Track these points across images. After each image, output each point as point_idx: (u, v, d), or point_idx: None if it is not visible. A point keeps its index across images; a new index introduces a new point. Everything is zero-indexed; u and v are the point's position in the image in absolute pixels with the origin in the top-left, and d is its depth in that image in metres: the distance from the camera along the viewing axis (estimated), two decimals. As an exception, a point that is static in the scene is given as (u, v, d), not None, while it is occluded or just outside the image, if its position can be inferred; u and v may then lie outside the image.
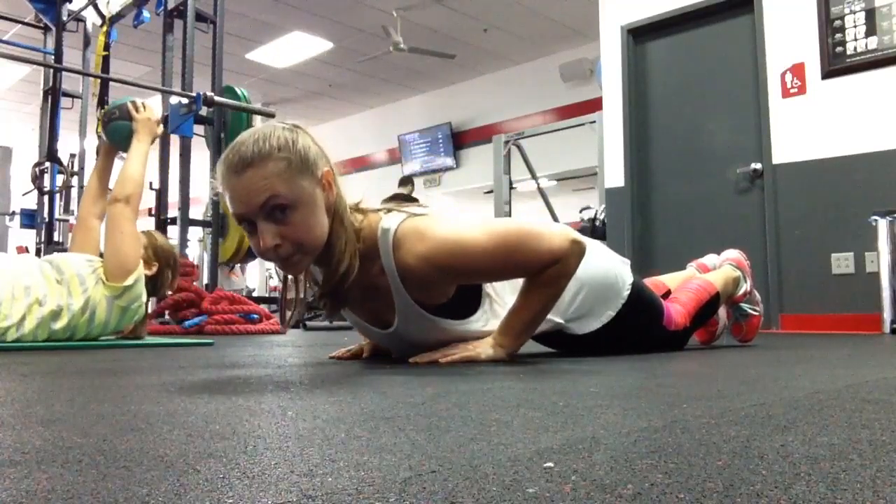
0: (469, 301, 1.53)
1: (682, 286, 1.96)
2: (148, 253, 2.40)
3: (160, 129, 2.57)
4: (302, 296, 1.48)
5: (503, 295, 1.58)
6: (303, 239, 1.33)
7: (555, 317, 1.60)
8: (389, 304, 1.46)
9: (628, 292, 1.69)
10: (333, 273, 1.39)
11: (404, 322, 1.48)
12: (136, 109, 2.47)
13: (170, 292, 2.75)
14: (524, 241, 1.42)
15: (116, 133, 2.52)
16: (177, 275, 2.55)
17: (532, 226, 1.45)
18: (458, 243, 1.39)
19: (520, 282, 1.52)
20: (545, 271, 1.43)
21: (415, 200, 7.79)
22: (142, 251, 2.37)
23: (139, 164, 2.39)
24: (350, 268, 1.39)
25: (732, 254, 2.15)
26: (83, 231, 2.47)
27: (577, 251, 1.45)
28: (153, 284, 2.38)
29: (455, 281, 1.47)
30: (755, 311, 2.15)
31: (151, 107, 2.55)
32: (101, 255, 2.32)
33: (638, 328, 1.76)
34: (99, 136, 4.81)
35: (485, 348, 1.46)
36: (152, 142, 2.53)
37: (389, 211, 1.45)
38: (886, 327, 3.56)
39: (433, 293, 1.47)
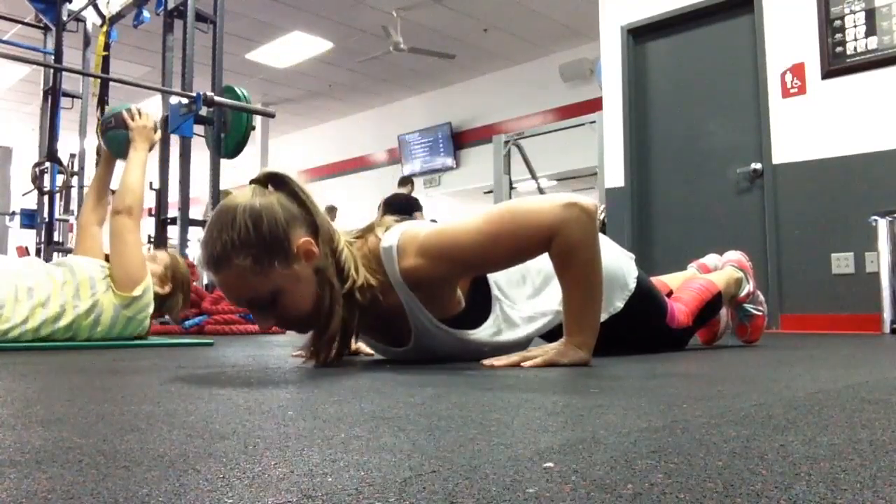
0: (480, 309, 1.52)
1: (685, 286, 1.96)
2: (167, 273, 2.42)
3: (157, 135, 2.55)
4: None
5: (513, 297, 1.57)
6: (292, 316, 1.37)
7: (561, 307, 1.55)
8: (404, 324, 1.45)
9: (634, 285, 1.69)
10: (321, 334, 1.40)
11: (419, 338, 1.46)
12: (132, 117, 2.46)
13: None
14: (515, 217, 1.37)
15: (114, 142, 2.52)
16: (188, 302, 2.57)
17: (526, 202, 1.39)
18: (451, 230, 1.39)
19: (531, 279, 1.53)
20: (552, 249, 1.36)
21: (415, 200, 7.79)
22: (159, 268, 2.41)
23: (137, 173, 2.39)
24: (336, 326, 1.39)
25: (734, 255, 2.15)
26: (86, 239, 2.48)
27: (573, 216, 1.33)
28: (162, 303, 2.39)
29: (458, 272, 1.43)
30: (759, 311, 2.15)
31: (148, 113, 2.53)
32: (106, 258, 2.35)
33: (643, 323, 1.76)
34: (99, 137, 4.82)
35: (566, 352, 1.38)
36: (150, 149, 2.51)
37: (387, 228, 1.44)
38: (886, 327, 3.56)
39: (444, 301, 1.45)
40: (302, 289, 1.33)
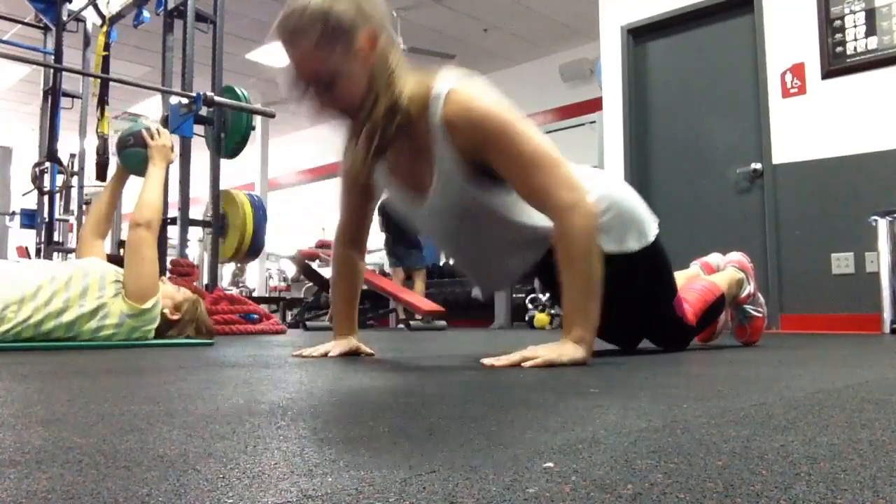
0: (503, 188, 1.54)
1: (688, 286, 1.96)
2: (183, 305, 2.43)
3: (175, 154, 2.62)
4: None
5: None
6: (342, 106, 1.48)
7: None
8: (430, 168, 1.50)
9: (653, 239, 1.70)
10: (362, 125, 1.47)
11: (442, 186, 1.50)
12: (151, 136, 2.51)
13: None
14: (549, 170, 1.43)
15: (132, 160, 2.56)
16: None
17: (566, 167, 1.45)
18: (506, 120, 1.45)
19: None
20: (556, 234, 1.43)
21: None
22: (178, 297, 2.43)
23: (156, 189, 2.43)
24: (377, 119, 1.45)
25: (735, 256, 2.16)
26: (88, 251, 2.49)
27: (581, 211, 1.41)
28: (168, 328, 2.39)
29: (482, 152, 1.46)
30: (759, 312, 2.15)
31: (166, 131, 2.59)
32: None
33: (652, 287, 1.75)
34: (99, 137, 4.82)
35: (565, 350, 1.38)
36: (167, 166, 2.56)
37: (446, 74, 1.50)
38: (886, 327, 3.56)
39: (469, 156, 1.47)
40: (355, 81, 1.44)
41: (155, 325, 2.29)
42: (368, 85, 1.45)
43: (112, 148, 3.76)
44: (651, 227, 1.73)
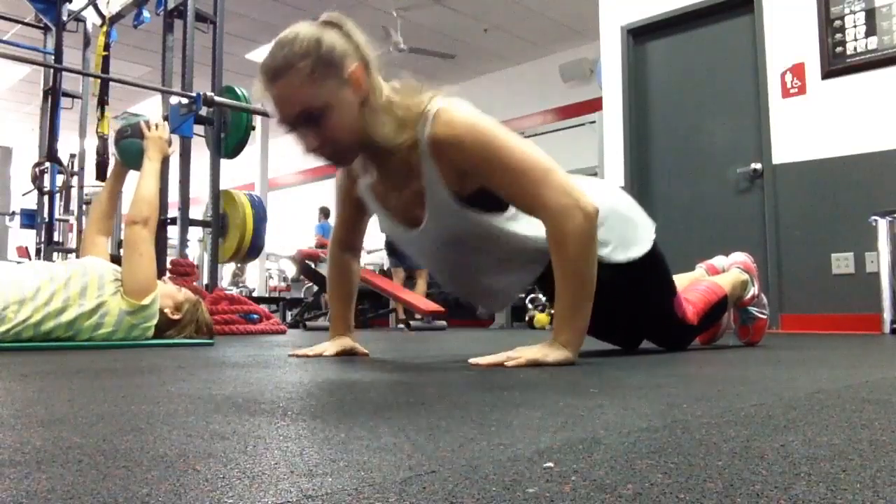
0: (499, 204, 1.51)
1: (691, 286, 1.96)
2: (184, 305, 2.42)
3: (172, 149, 2.59)
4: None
5: None
6: (337, 139, 1.44)
7: None
8: (421, 196, 1.48)
9: (651, 244, 1.69)
10: (376, 156, 1.48)
11: (434, 212, 1.48)
12: (149, 128, 2.50)
13: None
14: (541, 177, 1.41)
15: (127, 151, 2.55)
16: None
17: (558, 173, 1.43)
18: (490, 135, 1.42)
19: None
20: (548, 233, 1.41)
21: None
22: (180, 297, 2.42)
23: (151, 184, 2.40)
24: (393, 148, 1.43)
25: (740, 257, 2.15)
26: (90, 248, 2.49)
27: (578, 217, 1.37)
28: (167, 327, 2.38)
29: (471, 168, 1.45)
30: (762, 314, 2.15)
31: (166, 125, 2.58)
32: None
33: (653, 292, 1.75)
34: (99, 137, 4.82)
35: (551, 351, 1.39)
36: (164, 161, 2.54)
37: (435, 96, 1.47)
38: (886, 327, 3.56)
39: (458, 178, 1.46)
40: (348, 115, 1.42)
41: (153, 323, 2.29)
42: (361, 115, 1.43)
43: (112, 148, 3.75)
44: (649, 233, 1.72)
